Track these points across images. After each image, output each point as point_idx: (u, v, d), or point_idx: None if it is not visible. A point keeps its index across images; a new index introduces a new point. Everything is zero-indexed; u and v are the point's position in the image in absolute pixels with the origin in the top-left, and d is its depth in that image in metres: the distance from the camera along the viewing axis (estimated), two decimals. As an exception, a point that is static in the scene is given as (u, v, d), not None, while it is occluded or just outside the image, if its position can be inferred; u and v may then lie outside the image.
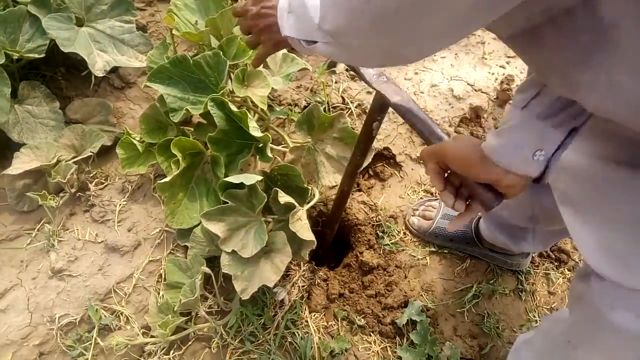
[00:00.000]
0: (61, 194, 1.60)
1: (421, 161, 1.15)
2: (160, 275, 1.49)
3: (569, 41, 0.54)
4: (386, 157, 1.81)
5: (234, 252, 1.33)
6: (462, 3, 0.50)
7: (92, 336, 1.38)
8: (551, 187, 0.92)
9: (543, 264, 1.63)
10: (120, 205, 1.60)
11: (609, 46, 0.51)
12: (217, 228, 1.34)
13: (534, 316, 1.54)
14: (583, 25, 0.51)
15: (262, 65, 1.65)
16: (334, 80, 1.97)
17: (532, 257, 1.62)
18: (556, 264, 1.65)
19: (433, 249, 1.62)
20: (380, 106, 1.06)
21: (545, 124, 0.69)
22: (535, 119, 0.70)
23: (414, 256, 1.61)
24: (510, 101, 1.95)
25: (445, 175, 0.85)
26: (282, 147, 1.63)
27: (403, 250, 1.62)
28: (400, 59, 0.69)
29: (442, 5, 0.51)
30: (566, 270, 1.63)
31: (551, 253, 1.66)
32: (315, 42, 0.76)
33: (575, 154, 0.82)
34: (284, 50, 1.72)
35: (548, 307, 1.56)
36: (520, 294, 1.57)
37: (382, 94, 1.01)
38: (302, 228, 1.31)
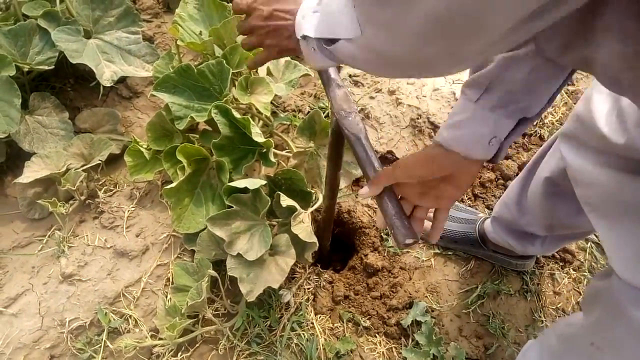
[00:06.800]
0: (71, 202, 1.63)
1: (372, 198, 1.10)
2: (168, 279, 1.52)
3: None
4: (390, 160, 1.83)
5: (239, 255, 1.35)
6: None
7: (102, 339, 1.41)
8: (580, 200, 0.94)
9: (548, 264, 1.64)
10: (128, 211, 1.63)
11: None
12: (222, 232, 1.36)
13: (540, 316, 1.54)
14: None
15: (265, 73, 1.69)
16: (337, 86, 2.00)
17: (537, 258, 1.63)
18: (561, 264, 1.65)
19: (437, 251, 1.63)
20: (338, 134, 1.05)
21: (498, 115, 0.74)
22: (488, 111, 0.74)
23: (419, 258, 1.62)
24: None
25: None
26: (286, 152, 1.66)
27: (407, 252, 1.63)
28: (432, 73, 0.64)
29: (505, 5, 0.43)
30: (571, 270, 1.63)
31: (556, 253, 1.66)
32: (336, 40, 0.67)
33: (603, 170, 0.84)
34: (287, 57, 1.75)
35: (553, 307, 1.56)
36: (525, 294, 1.57)
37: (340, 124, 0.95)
38: (304, 230, 1.33)
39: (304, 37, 0.75)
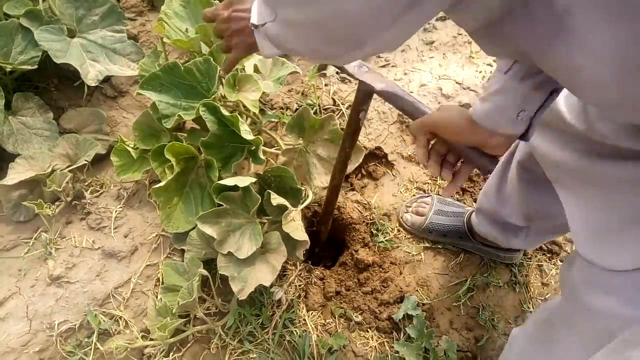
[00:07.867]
0: (57, 203, 1.61)
1: (410, 135, 1.16)
2: (158, 279, 1.51)
3: (528, 32, 0.55)
4: (378, 156, 1.84)
5: (230, 253, 1.35)
6: None
7: (92, 341, 1.39)
8: (550, 179, 0.97)
9: (536, 256, 1.66)
10: (116, 211, 1.62)
11: (565, 33, 0.51)
12: (212, 230, 1.36)
13: (528, 307, 1.56)
14: (539, 15, 0.52)
15: (252, 70, 1.68)
16: (324, 83, 2.00)
17: (525, 250, 1.65)
18: (549, 255, 1.67)
19: (427, 245, 1.64)
20: (365, 95, 1.06)
21: (527, 86, 0.73)
22: (517, 82, 0.73)
23: (409, 252, 1.63)
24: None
25: (430, 146, 0.89)
26: (275, 149, 1.66)
27: (397, 247, 1.64)
28: (334, 46, 0.62)
29: None
30: (559, 261, 1.66)
31: (543, 245, 1.68)
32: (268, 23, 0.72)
33: (566, 152, 0.87)
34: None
35: (542, 298, 1.59)
36: (514, 286, 1.59)
37: (367, 83, 1.02)
38: (295, 228, 1.33)
39: (255, 27, 0.77)
